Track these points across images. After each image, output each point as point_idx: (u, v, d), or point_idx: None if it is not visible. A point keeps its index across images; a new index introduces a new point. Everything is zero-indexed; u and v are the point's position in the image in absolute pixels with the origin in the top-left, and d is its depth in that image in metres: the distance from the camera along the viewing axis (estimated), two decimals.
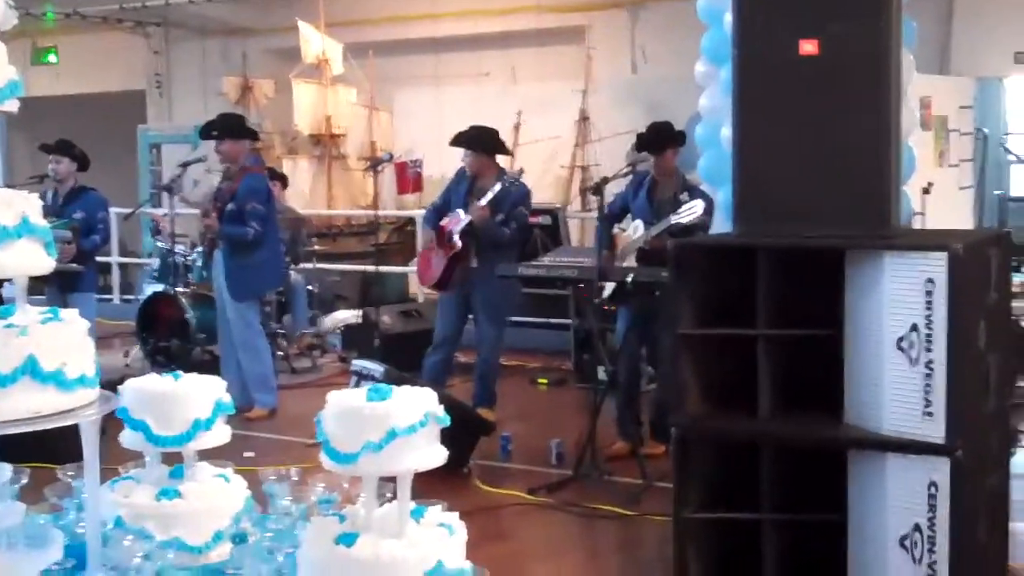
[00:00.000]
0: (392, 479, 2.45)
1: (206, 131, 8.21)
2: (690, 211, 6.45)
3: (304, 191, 14.43)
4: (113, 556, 2.31)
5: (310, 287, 11.09)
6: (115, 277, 14.64)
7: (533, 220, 11.19)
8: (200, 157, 8.68)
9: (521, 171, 8.32)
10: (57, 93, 17.43)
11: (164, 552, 2.39)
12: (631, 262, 6.68)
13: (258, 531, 2.58)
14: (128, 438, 2.69)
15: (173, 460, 2.77)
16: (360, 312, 10.43)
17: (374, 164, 9.05)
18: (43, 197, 8.70)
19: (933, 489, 4.02)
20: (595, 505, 5.96)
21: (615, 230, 7.23)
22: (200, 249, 9.17)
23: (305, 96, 14.67)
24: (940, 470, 4.01)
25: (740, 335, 4.42)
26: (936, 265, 3.93)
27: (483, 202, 7.50)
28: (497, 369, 8.04)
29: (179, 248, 10.76)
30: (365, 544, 2.29)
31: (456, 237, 7.65)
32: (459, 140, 7.76)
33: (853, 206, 4.22)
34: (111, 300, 14.31)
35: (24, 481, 2.58)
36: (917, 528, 4.06)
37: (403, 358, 9.48)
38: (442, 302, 8.07)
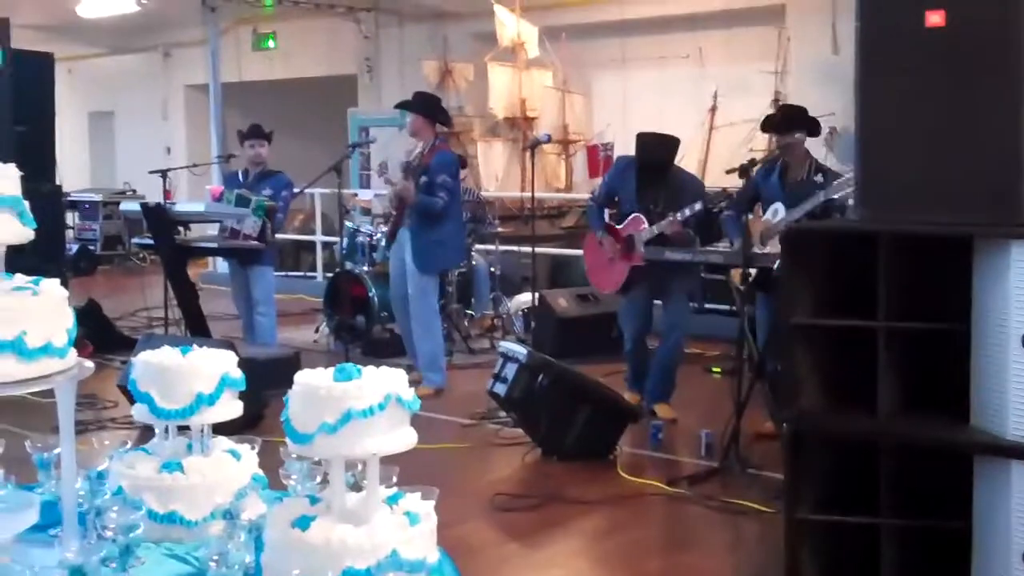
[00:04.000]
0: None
1: (405, 104, 8.36)
2: (846, 183, 6.09)
3: (497, 174, 14.54)
4: (101, 526, 2.31)
5: (492, 269, 11.11)
6: (318, 255, 15.06)
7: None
8: (370, 140, 8.81)
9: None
10: (274, 77, 18.06)
11: (150, 524, 2.38)
12: (774, 246, 6.39)
13: (257, 510, 2.55)
14: (137, 411, 2.70)
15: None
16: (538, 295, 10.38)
17: (531, 145, 9.00)
18: (235, 177, 9.11)
19: None
20: (731, 499, 5.73)
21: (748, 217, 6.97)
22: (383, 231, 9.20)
23: (500, 79, 14.72)
24: None
25: (860, 327, 4.15)
26: None
27: (680, 216, 7.24)
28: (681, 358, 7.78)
29: (365, 228, 11.01)
30: (319, 528, 2.21)
31: (640, 247, 7.38)
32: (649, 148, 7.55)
33: (981, 190, 3.89)
34: (315, 278, 14.76)
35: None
36: None
37: (578, 341, 9.43)
38: (630, 301, 7.68)
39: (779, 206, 6.73)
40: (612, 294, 7.96)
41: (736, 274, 6.56)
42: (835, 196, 6.24)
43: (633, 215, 7.51)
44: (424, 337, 8.45)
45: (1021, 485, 3.76)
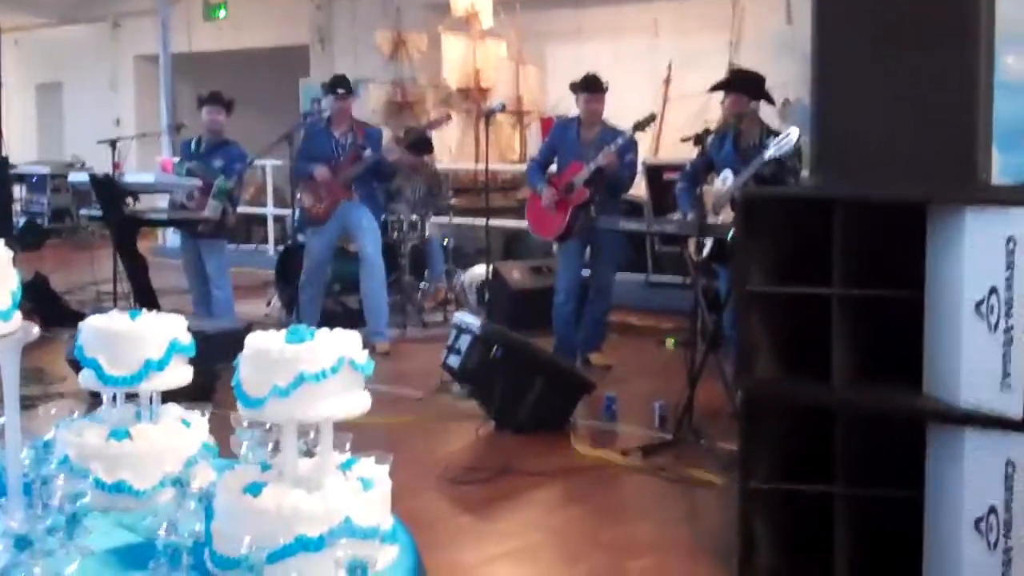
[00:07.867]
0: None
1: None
2: (784, 140, 6.12)
3: (451, 145, 14.44)
4: (47, 495, 2.25)
5: (446, 242, 11.06)
6: (270, 228, 14.95)
7: (672, 175, 10.95)
8: (323, 110, 8.73)
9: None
10: (225, 48, 17.79)
11: (97, 493, 2.33)
12: (727, 215, 6.39)
13: (208, 478, 2.50)
14: (84, 377, 2.64)
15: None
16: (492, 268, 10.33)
17: (487, 113, 8.96)
18: (187, 145, 8.97)
19: (1010, 468, 3.68)
20: (685, 470, 5.74)
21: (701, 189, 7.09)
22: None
23: (454, 49, 14.61)
24: (1018, 448, 3.67)
25: (814, 294, 4.14)
26: (1018, 221, 3.58)
27: (612, 147, 7.71)
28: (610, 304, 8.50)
29: None
30: (270, 494, 2.17)
31: (580, 186, 7.89)
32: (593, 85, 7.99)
33: (937, 157, 3.90)
34: (266, 251, 14.63)
35: None
36: (992, 510, 3.73)
37: (532, 314, 9.40)
38: (566, 251, 8.25)
39: (728, 173, 6.76)
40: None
41: (692, 246, 6.59)
42: (777, 155, 6.20)
43: (571, 163, 7.97)
44: (382, 293, 8.91)
45: (973, 453, 3.77)
